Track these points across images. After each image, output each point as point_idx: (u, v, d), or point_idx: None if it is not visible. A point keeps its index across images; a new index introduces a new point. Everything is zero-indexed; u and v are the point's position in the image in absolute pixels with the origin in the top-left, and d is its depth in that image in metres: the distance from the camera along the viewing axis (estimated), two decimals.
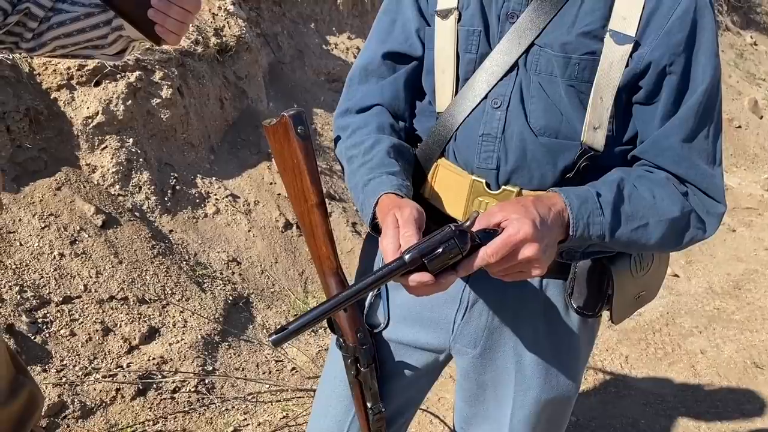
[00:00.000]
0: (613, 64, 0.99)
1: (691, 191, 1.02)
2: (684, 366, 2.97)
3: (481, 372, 1.16)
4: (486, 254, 0.86)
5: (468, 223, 0.87)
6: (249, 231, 3.08)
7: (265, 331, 2.73)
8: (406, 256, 0.84)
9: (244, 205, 3.15)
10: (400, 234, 0.89)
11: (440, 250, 0.84)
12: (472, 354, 1.15)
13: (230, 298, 2.75)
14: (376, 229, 1.00)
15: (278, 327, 0.83)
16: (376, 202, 1.00)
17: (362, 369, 1.15)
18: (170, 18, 1.05)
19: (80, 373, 2.20)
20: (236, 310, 2.75)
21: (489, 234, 0.87)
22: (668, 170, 1.01)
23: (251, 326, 2.73)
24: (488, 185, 1.06)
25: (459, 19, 1.06)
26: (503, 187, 1.06)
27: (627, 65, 0.99)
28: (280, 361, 2.60)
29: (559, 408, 1.19)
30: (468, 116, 1.06)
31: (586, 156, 1.02)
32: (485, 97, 1.05)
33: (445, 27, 1.07)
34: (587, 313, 1.09)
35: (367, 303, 1.19)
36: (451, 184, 1.10)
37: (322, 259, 1.15)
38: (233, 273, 2.89)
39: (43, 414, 1.53)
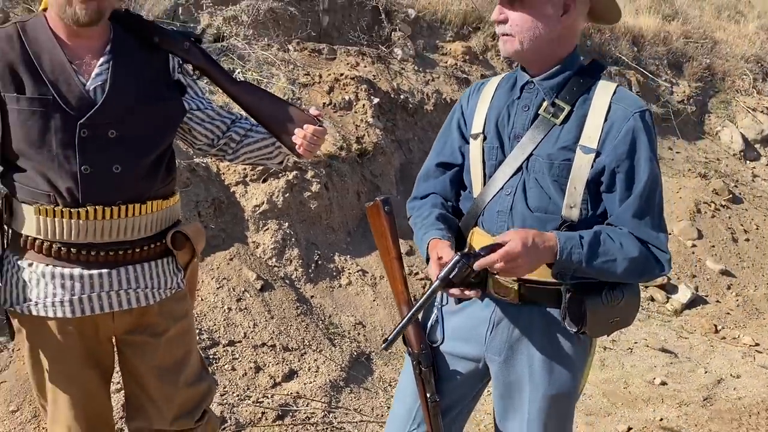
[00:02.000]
0: (582, 166, 1.50)
1: (648, 246, 1.48)
2: None
3: (506, 374, 1.63)
4: (488, 259, 1.40)
5: (467, 250, 1.41)
6: (374, 300, 3.69)
7: (381, 382, 3.26)
8: (436, 283, 1.41)
9: (371, 279, 3.78)
10: (435, 261, 1.47)
11: (455, 270, 1.39)
12: (498, 360, 1.63)
13: (355, 353, 3.34)
14: (429, 261, 1.59)
15: (384, 338, 1.43)
16: (428, 244, 1.57)
17: (423, 369, 1.67)
18: (305, 142, 1.71)
19: (237, 398, 2.86)
20: (359, 364, 3.32)
21: (493, 247, 1.41)
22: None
23: (370, 378, 3.28)
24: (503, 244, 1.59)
25: (485, 139, 1.63)
26: None
27: (592, 167, 1.50)
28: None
29: (562, 401, 1.62)
30: (491, 200, 1.60)
31: (565, 224, 1.52)
32: (501, 188, 1.59)
33: (476, 144, 1.65)
34: (574, 330, 1.55)
35: (428, 324, 1.72)
36: (482, 244, 1.62)
37: (398, 294, 1.71)
38: (359, 334, 3.49)
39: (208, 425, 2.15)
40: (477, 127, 1.65)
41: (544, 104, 1.56)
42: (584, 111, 1.53)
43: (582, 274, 1.50)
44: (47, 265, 1.58)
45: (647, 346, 4.00)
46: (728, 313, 4.74)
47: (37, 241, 1.57)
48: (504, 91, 1.64)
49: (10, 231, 1.64)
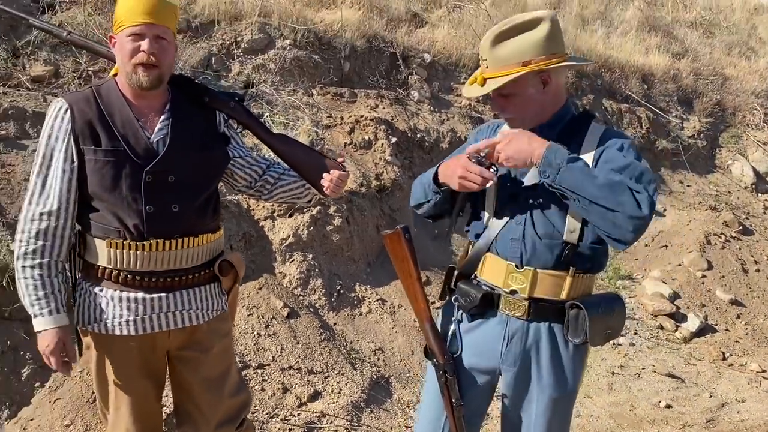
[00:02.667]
0: None
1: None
2: None
3: (518, 381, 1.88)
4: (479, 144, 1.72)
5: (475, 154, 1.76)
6: (393, 328, 3.93)
7: (400, 404, 3.49)
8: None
9: (390, 308, 4.03)
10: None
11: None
12: (513, 370, 1.87)
13: (375, 377, 3.57)
14: (438, 183, 1.90)
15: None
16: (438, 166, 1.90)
17: (449, 377, 1.90)
18: (332, 185, 2.00)
19: (266, 416, 3.11)
20: (379, 387, 3.55)
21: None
22: None
23: (389, 400, 3.50)
24: (516, 266, 1.84)
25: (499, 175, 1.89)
26: (525, 267, 1.82)
27: None
28: (410, 427, 3.32)
29: (565, 402, 1.87)
30: (502, 228, 1.86)
31: (568, 247, 1.77)
32: (512, 218, 1.84)
33: (491, 189, 1.90)
34: (576, 341, 1.80)
35: (449, 336, 1.96)
36: (495, 267, 1.88)
37: (421, 312, 1.96)
38: (378, 359, 3.73)
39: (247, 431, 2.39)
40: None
41: None
42: (578, 150, 1.78)
43: (564, 179, 1.66)
44: (115, 290, 1.87)
45: (655, 371, 4.18)
46: (737, 341, 4.89)
47: (107, 270, 1.86)
48: None
49: (82, 262, 1.94)
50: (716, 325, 5.06)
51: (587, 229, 1.78)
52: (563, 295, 1.82)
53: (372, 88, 5.35)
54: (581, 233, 1.78)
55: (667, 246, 6.01)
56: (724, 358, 4.58)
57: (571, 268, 1.80)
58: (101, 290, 1.88)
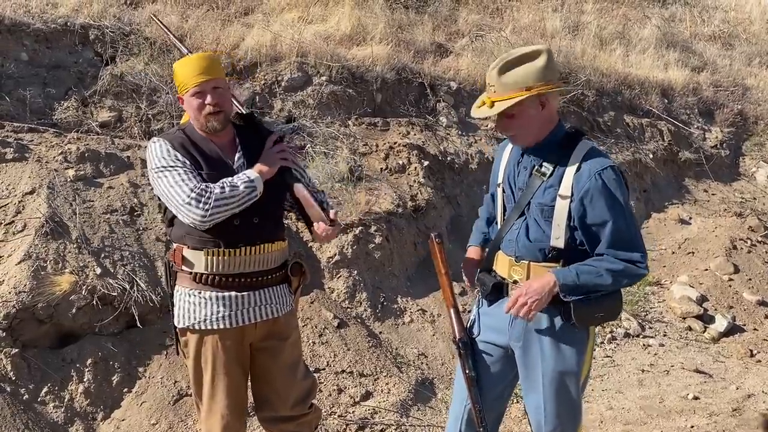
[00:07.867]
0: (561, 209, 2.09)
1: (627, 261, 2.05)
2: None
3: (526, 356, 2.21)
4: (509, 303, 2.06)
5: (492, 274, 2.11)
6: (433, 335, 4.26)
7: (443, 403, 3.80)
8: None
9: (429, 317, 4.36)
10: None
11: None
12: (519, 345, 2.21)
13: (419, 379, 3.90)
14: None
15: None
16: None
17: (462, 351, 2.27)
18: (321, 234, 2.33)
19: (325, 414, 3.45)
20: (423, 388, 3.88)
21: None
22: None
23: (434, 399, 3.82)
24: (515, 261, 2.19)
25: (503, 189, 2.26)
26: (521, 261, 2.17)
27: (569, 209, 2.08)
28: None
29: (569, 377, 2.18)
30: (507, 232, 2.22)
31: (554, 250, 2.12)
32: (513, 224, 2.20)
33: (499, 191, 2.28)
34: (569, 322, 2.11)
35: (468, 322, 2.32)
36: (503, 261, 2.24)
37: (447, 299, 2.34)
38: (422, 363, 4.06)
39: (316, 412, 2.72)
40: (500, 178, 2.29)
41: (536, 167, 2.16)
42: (563, 170, 2.11)
43: (583, 290, 2.06)
44: (212, 291, 2.26)
45: (683, 368, 4.42)
46: (765, 340, 5.09)
47: (203, 276, 2.25)
48: (514, 155, 2.27)
49: (177, 272, 2.33)
50: (744, 325, 5.26)
51: (572, 235, 2.12)
52: None
53: (403, 116, 5.76)
54: (566, 239, 2.11)
55: (693, 252, 6.22)
56: (752, 355, 4.79)
57: (561, 260, 2.13)
58: (199, 293, 2.27)
